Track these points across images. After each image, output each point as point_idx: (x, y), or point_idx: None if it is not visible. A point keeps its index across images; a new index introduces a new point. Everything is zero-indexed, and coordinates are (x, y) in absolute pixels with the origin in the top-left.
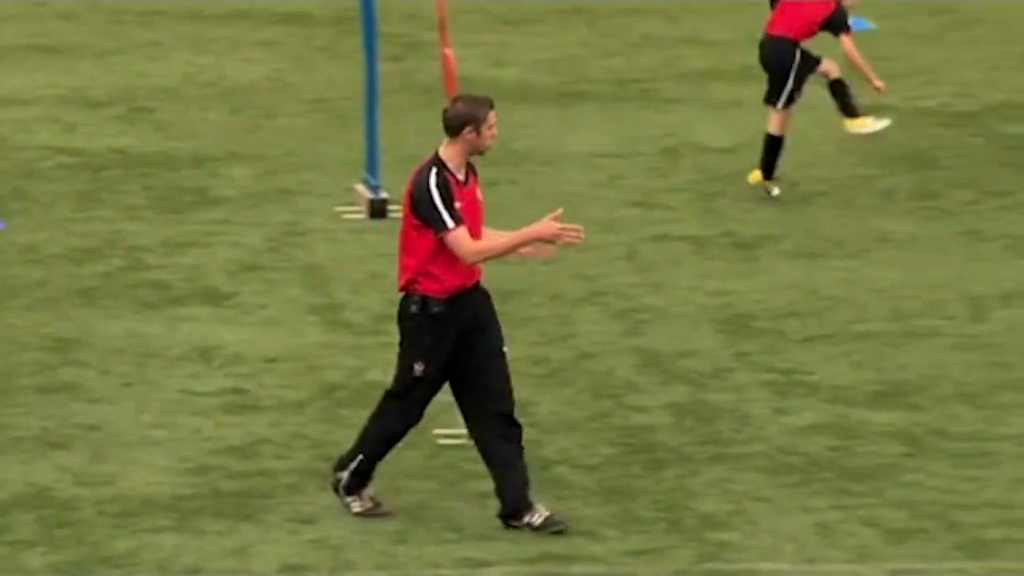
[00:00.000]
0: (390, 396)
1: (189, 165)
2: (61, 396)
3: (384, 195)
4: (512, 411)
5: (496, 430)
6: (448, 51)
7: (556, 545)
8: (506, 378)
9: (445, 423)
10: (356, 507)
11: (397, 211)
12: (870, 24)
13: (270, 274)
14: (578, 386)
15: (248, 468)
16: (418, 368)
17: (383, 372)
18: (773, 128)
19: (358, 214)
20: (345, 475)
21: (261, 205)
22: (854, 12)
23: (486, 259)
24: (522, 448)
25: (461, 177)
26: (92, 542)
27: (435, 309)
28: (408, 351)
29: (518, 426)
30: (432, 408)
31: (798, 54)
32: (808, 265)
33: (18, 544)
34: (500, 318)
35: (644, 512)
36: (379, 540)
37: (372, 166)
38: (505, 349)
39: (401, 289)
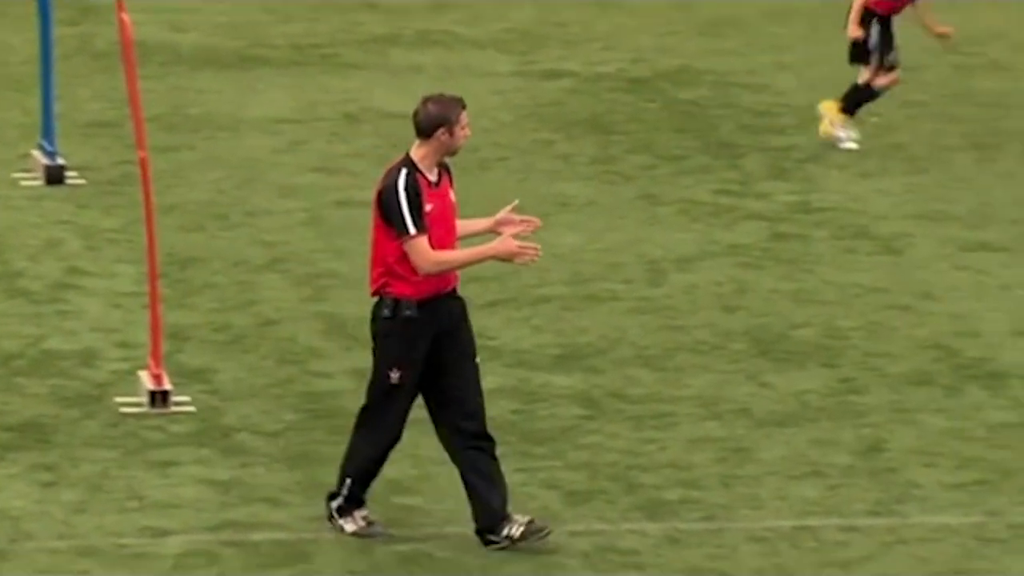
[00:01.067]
0: (367, 409)
1: None
2: None
3: (61, 161)
4: (483, 426)
5: (469, 442)
6: (125, 16)
7: (238, 513)
8: (478, 390)
9: (126, 391)
10: (349, 527)
11: (75, 178)
12: None
13: None
14: (261, 352)
15: None
16: (394, 376)
17: (62, 340)
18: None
19: (35, 180)
20: (337, 503)
21: None
22: None
23: (442, 271)
24: (496, 459)
25: (433, 178)
26: None
27: (407, 312)
28: (382, 358)
29: (490, 439)
30: (110, 376)
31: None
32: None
33: None
34: (179, 286)
35: (327, 478)
36: (59, 510)
37: (48, 132)
38: (478, 360)
39: (373, 293)
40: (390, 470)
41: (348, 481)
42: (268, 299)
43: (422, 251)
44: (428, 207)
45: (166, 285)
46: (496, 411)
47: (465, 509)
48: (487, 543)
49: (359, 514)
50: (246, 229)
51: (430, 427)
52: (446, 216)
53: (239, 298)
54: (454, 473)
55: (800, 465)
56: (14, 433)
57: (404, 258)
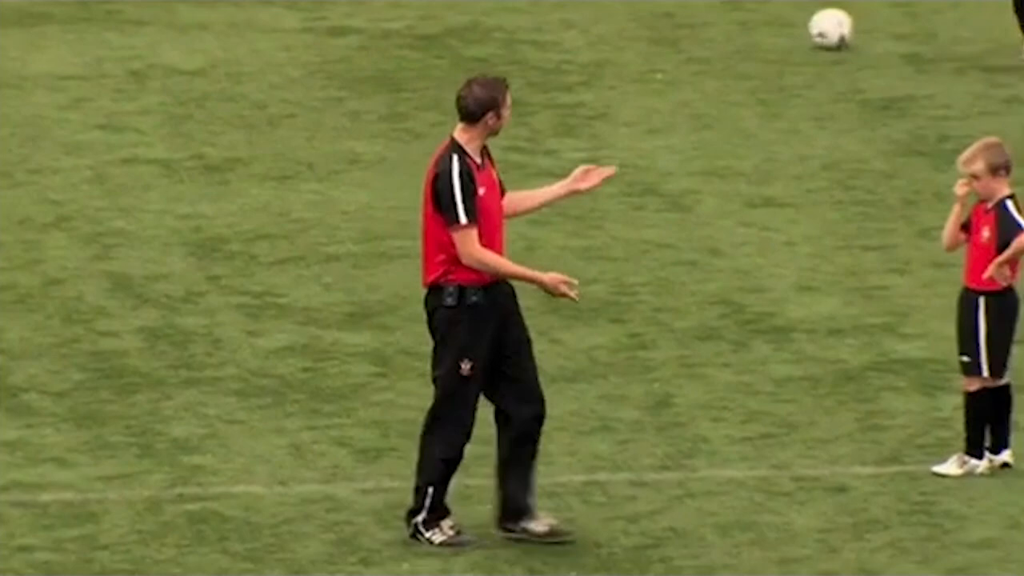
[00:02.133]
0: (437, 409)
1: None
2: None
3: None
4: (542, 408)
5: (522, 428)
6: None
7: (25, 473)
8: (536, 372)
9: None
10: (437, 538)
11: None
12: None
13: None
14: (46, 312)
15: None
16: (465, 367)
17: None
18: None
19: None
20: (422, 516)
21: None
22: None
23: (481, 269)
24: (537, 449)
25: (479, 161)
26: None
27: (473, 299)
28: (450, 350)
29: (541, 422)
30: None
31: None
32: (279, 187)
33: None
34: None
35: (115, 437)
36: None
37: None
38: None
39: (432, 282)
40: (177, 429)
41: (430, 491)
42: (53, 258)
43: (471, 243)
44: (481, 191)
45: None
46: (286, 369)
47: (255, 466)
48: (504, 531)
49: (446, 524)
50: (31, 187)
51: (217, 386)
52: (494, 197)
53: (24, 257)
54: (244, 431)
55: (589, 420)
56: None
57: None
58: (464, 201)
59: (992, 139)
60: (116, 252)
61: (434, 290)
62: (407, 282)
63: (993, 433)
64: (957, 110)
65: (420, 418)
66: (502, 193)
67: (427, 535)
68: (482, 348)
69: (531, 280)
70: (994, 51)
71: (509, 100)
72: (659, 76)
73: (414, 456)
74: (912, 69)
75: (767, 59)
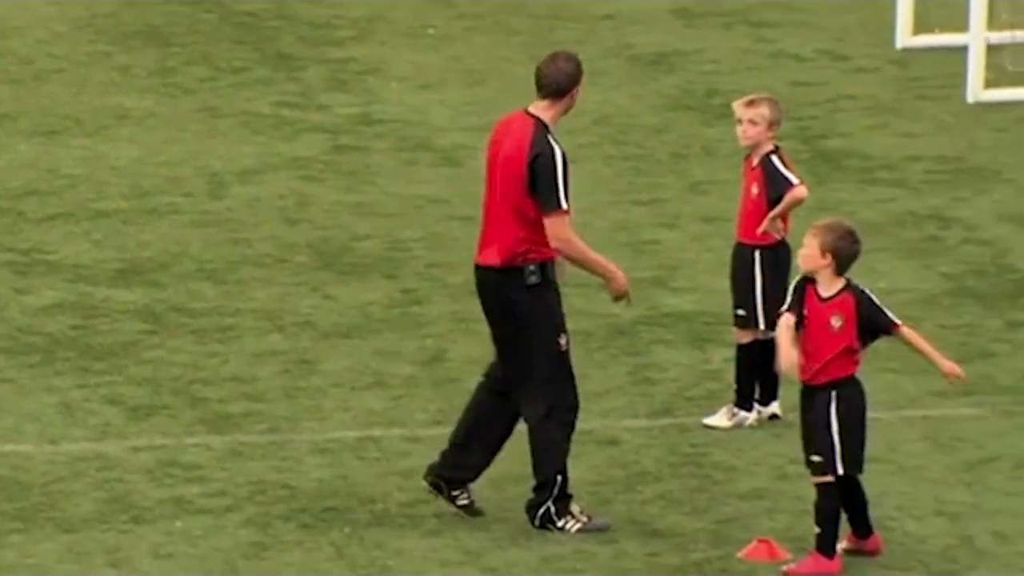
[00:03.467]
0: (547, 394)
1: None
2: None
3: None
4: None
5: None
6: None
7: None
8: None
9: None
10: (574, 527)
11: None
12: None
13: None
14: None
15: None
16: (563, 341)
17: None
18: None
19: None
20: (549, 506)
21: None
22: None
23: (566, 255)
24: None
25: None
26: None
27: (551, 275)
28: (543, 328)
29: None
30: None
31: None
32: (46, 143)
33: None
34: None
35: None
36: None
37: None
38: None
39: (508, 262)
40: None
41: (558, 479)
42: None
43: (566, 228)
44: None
45: None
46: (56, 327)
47: (24, 424)
48: (433, 486)
49: (576, 509)
50: None
51: None
52: None
53: None
54: (13, 389)
55: (364, 376)
56: None
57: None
58: (565, 187)
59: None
60: None
61: (510, 271)
62: (177, 238)
63: (762, 386)
64: (725, 65)
65: (191, 375)
66: None
67: (560, 524)
68: (565, 320)
69: (606, 273)
70: (762, 6)
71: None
72: (431, 31)
73: (187, 414)
74: (681, 23)
75: (537, 14)
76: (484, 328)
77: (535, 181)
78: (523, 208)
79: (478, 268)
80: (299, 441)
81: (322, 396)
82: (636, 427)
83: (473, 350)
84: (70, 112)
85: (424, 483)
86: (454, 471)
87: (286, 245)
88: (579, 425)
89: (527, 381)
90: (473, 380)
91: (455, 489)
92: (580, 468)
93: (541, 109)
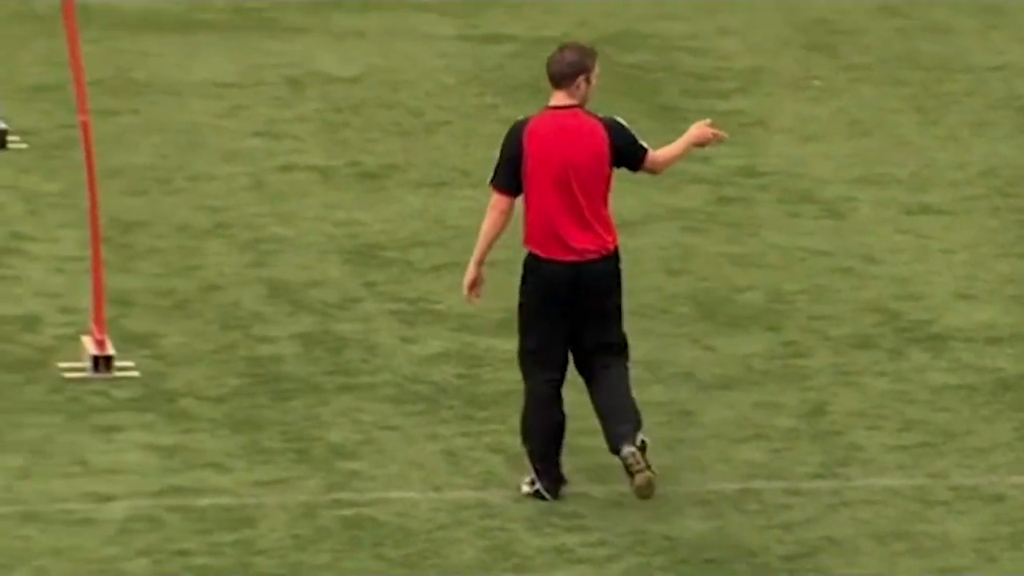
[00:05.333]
0: (626, 356)
1: None
2: None
3: (3, 125)
4: None
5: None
6: None
7: (182, 478)
8: None
9: (69, 356)
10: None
11: (17, 142)
12: None
13: None
14: (205, 318)
15: None
16: None
17: (4, 305)
18: None
19: None
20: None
21: None
22: None
23: (668, 167)
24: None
25: None
26: None
27: None
28: (620, 304)
29: None
30: (53, 341)
31: None
32: (434, 194)
33: None
34: (122, 250)
35: (272, 443)
36: (1, 475)
37: None
38: None
39: (612, 251)
40: (333, 435)
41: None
42: (211, 264)
43: (656, 157)
44: None
45: (109, 250)
46: (440, 375)
47: (409, 472)
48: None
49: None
50: (189, 194)
51: (373, 392)
52: None
53: (182, 263)
54: (398, 437)
55: (744, 428)
56: None
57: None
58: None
59: None
60: (273, 258)
61: (613, 257)
62: None
63: None
64: None
65: (570, 425)
66: None
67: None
68: None
69: (688, 147)
70: None
71: (598, 69)
72: (816, 83)
73: (567, 462)
74: None
75: (925, 66)
76: (868, 381)
77: (623, 148)
78: (605, 201)
79: (584, 264)
80: (679, 492)
81: (702, 447)
82: (1023, 483)
83: (856, 403)
84: (457, 164)
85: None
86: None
87: (668, 296)
88: (964, 481)
89: (624, 347)
90: (856, 433)
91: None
92: (965, 524)
93: (562, 97)
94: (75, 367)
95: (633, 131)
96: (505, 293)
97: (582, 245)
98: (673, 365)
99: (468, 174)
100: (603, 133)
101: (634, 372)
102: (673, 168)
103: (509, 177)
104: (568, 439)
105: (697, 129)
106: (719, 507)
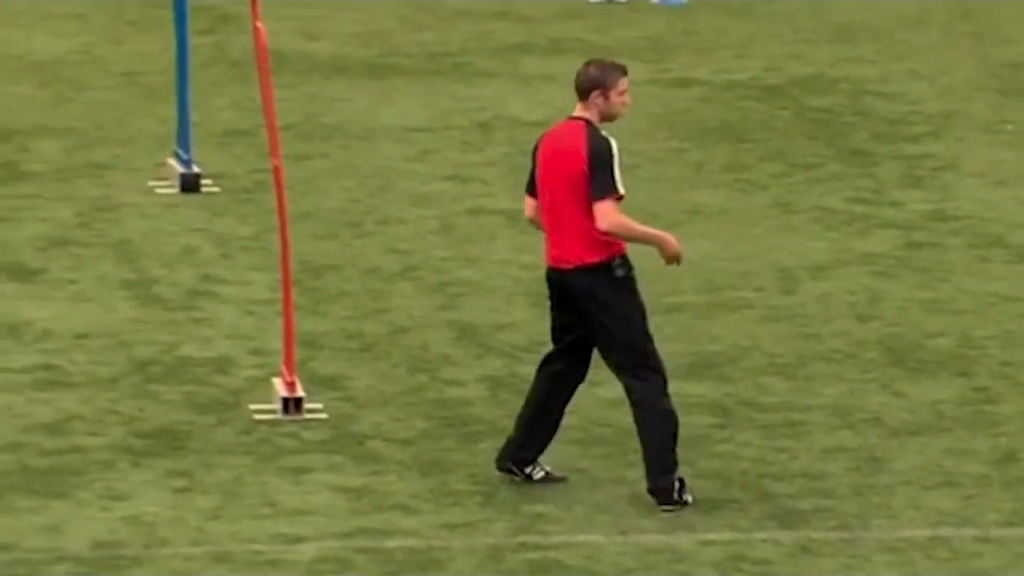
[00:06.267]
0: (638, 378)
1: None
2: None
3: (196, 169)
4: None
5: (575, 386)
6: (260, 24)
7: (371, 520)
8: None
9: (259, 398)
10: (690, 496)
11: (210, 186)
12: None
13: (80, 249)
14: (393, 360)
15: (59, 445)
16: (650, 327)
17: (197, 347)
18: None
19: (170, 189)
20: (674, 485)
21: (71, 180)
22: None
23: (617, 236)
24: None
25: None
26: None
27: (631, 265)
28: (633, 317)
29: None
30: (244, 383)
31: None
32: None
33: None
34: (312, 293)
35: (459, 485)
36: (193, 516)
37: (184, 140)
38: None
39: (601, 263)
40: (519, 478)
41: (671, 460)
42: (400, 307)
43: (615, 212)
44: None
45: (299, 293)
46: (626, 419)
47: (596, 515)
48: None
49: (684, 479)
50: (379, 237)
51: (559, 435)
52: None
53: (371, 306)
54: (584, 480)
55: (934, 475)
56: (149, 439)
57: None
58: (620, 172)
59: None
60: (461, 301)
61: (597, 267)
62: (748, 333)
63: None
64: None
65: (760, 470)
66: None
67: (684, 498)
68: None
69: (655, 239)
70: None
71: (623, 85)
72: (1009, 127)
73: (756, 508)
74: None
75: None
76: None
77: (594, 170)
78: (585, 211)
79: (561, 271)
80: (868, 539)
81: (891, 494)
82: None
83: None
84: (645, 207)
85: (499, 471)
86: (520, 452)
87: (856, 341)
88: None
89: (633, 384)
90: None
91: (526, 467)
92: None
93: (580, 110)
94: (265, 409)
95: (611, 168)
96: (693, 337)
97: (556, 252)
98: (862, 411)
99: (655, 217)
100: (583, 154)
101: (822, 418)
102: (864, 212)
103: (529, 180)
104: (755, 483)
105: (673, 239)
106: (909, 554)
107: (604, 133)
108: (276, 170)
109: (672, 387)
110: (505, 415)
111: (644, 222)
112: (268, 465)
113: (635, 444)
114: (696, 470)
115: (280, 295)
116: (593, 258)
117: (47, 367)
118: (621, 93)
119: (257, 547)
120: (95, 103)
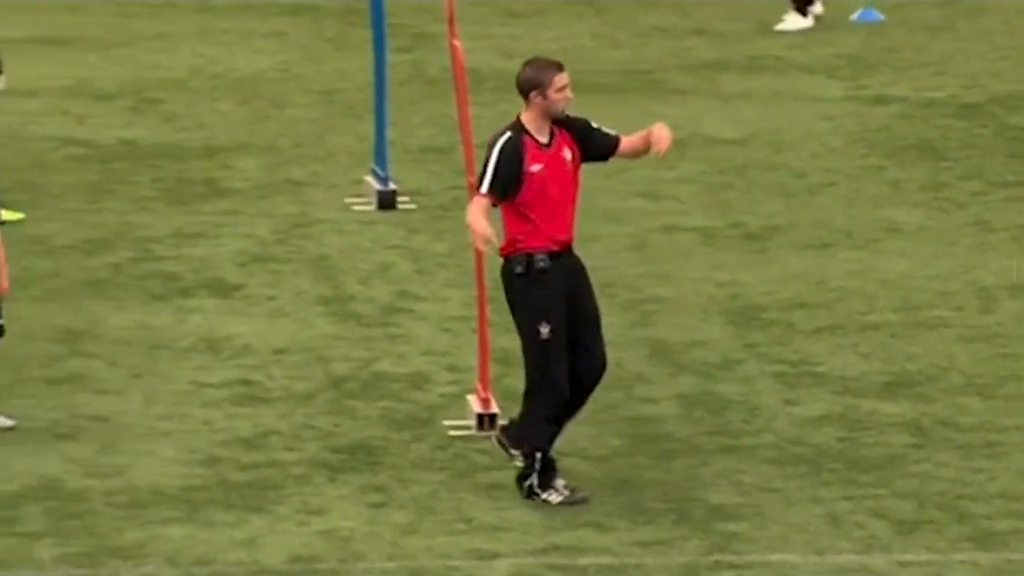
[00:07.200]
0: (531, 374)
1: (198, 156)
2: (70, 387)
3: (393, 186)
4: (604, 366)
5: (585, 381)
6: (457, 42)
7: (565, 537)
8: (604, 346)
9: (454, 414)
10: (555, 499)
11: (406, 203)
12: (879, 16)
13: (279, 265)
14: None
15: (257, 459)
16: (544, 330)
17: (392, 363)
18: None
19: (367, 206)
20: (535, 480)
21: (270, 196)
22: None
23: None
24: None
25: (544, 140)
26: (101, 533)
27: (541, 264)
28: (526, 315)
29: (599, 378)
30: (439, 399)
31: None
32: (817, 256)
33: (27, 536)
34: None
35: (653, 503)
36: (388, 531)
37: (381, 157)
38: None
39: (507, 256)
40: (713, 496)
41: (537, 455)
42: None
43: (472, 206)
44: (535, 168)
45: (494, 310)
46: (822, 438)
47: (791, 535)
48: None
49: (560, 483)
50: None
51: (754, 454)
52: (558, 174)
53: None
54: (779, 499)
55: None
56: (345, 455)
57: (524, 211)
58: (493, 174)
59: None
60: (655, 319)
61: (504, 259)
62: (946, 352)
63: None
64: None
65: (957, 490)
66: (603, 157)
67: (544, 496)
68: (559, 312)
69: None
70: None
71: (560, 82)
72: None
73: (953, 529)
74: None
75: None
76: None
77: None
78: (507, 202)
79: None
80: None
81: None
82: None
83: None
84: (841, 225)
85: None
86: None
87: None
88: None
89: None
90: None
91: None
92: None
93: (523, 111)
94: (460, 424)
95: (486, 165)
96: (890, 356)
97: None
98: None
99: (852, 235)
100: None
101: (1021, 438)
102: None
103: None
104: (953, 504)
105: (480, 230)
106: None
107: (508, 133)
108: (471, 187)
109: (868, 406)
110: (699, 433)
111: (838, 240)
112: (463, 481)
113: (830, 464)
114: (893, 490)
115: (475, 312)
116: (504, 251)
117: (246, 382)
118: (559, 90)
119: (452, 563)
120: (294, 120)
